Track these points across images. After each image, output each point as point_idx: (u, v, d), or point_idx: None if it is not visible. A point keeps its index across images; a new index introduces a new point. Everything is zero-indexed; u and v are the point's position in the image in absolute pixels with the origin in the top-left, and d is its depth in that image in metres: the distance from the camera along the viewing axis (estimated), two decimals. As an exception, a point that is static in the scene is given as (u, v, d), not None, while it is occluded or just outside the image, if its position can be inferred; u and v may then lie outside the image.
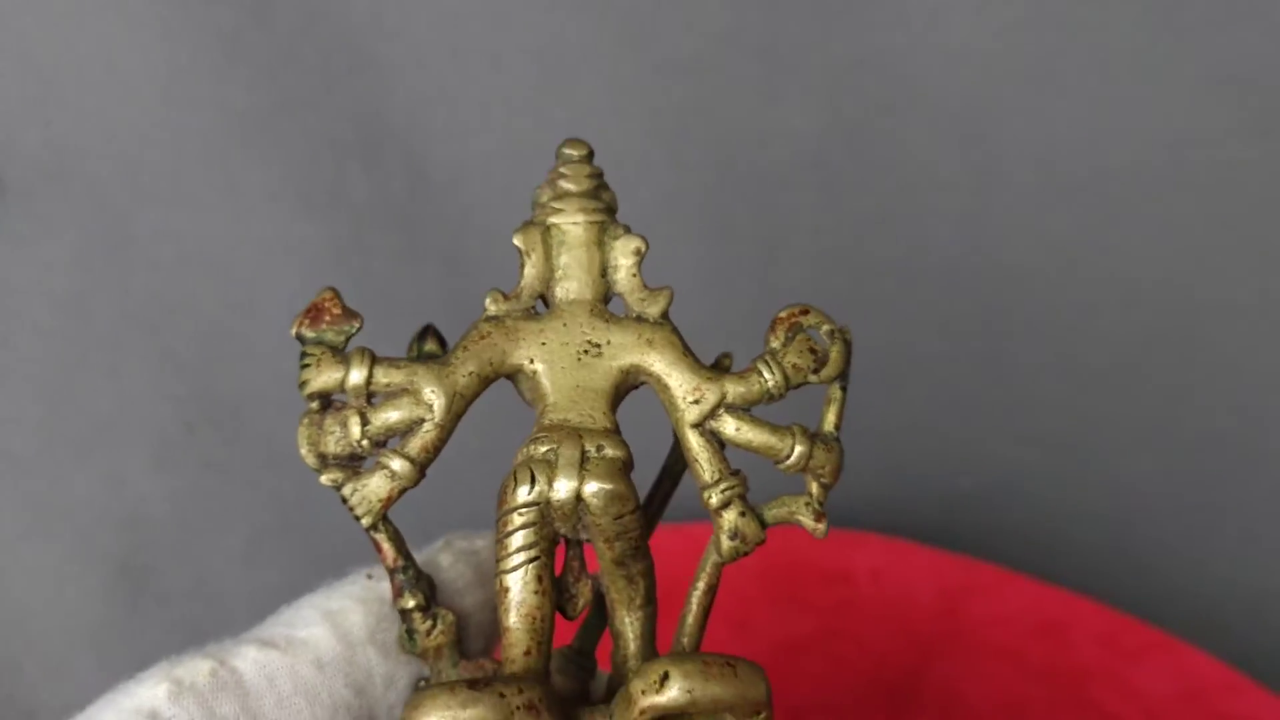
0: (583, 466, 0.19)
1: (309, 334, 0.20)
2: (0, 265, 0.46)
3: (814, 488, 0.21)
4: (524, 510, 0.19)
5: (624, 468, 0.19)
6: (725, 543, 0.20)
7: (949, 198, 0.49)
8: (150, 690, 0.18)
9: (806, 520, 0.21)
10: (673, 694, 0.18)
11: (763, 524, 0.20)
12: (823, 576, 0.45)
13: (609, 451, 0.19)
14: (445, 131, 0.47)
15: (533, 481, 0.19)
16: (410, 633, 0.20)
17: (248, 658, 0.19)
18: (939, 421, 0.51)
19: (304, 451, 0.19)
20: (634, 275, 0.21)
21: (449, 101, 0.47)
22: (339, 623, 0.20)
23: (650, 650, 0.20)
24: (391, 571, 0.20)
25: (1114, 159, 0.47)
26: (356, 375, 0.19)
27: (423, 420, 0.19)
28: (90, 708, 0.18)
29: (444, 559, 0.21)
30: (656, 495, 0.22)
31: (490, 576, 0.21)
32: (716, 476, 0.20)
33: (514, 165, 0.47)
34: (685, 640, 0.21)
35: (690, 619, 0.21)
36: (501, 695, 0.18)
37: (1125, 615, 0.43)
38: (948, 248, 0.49)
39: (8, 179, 0.46)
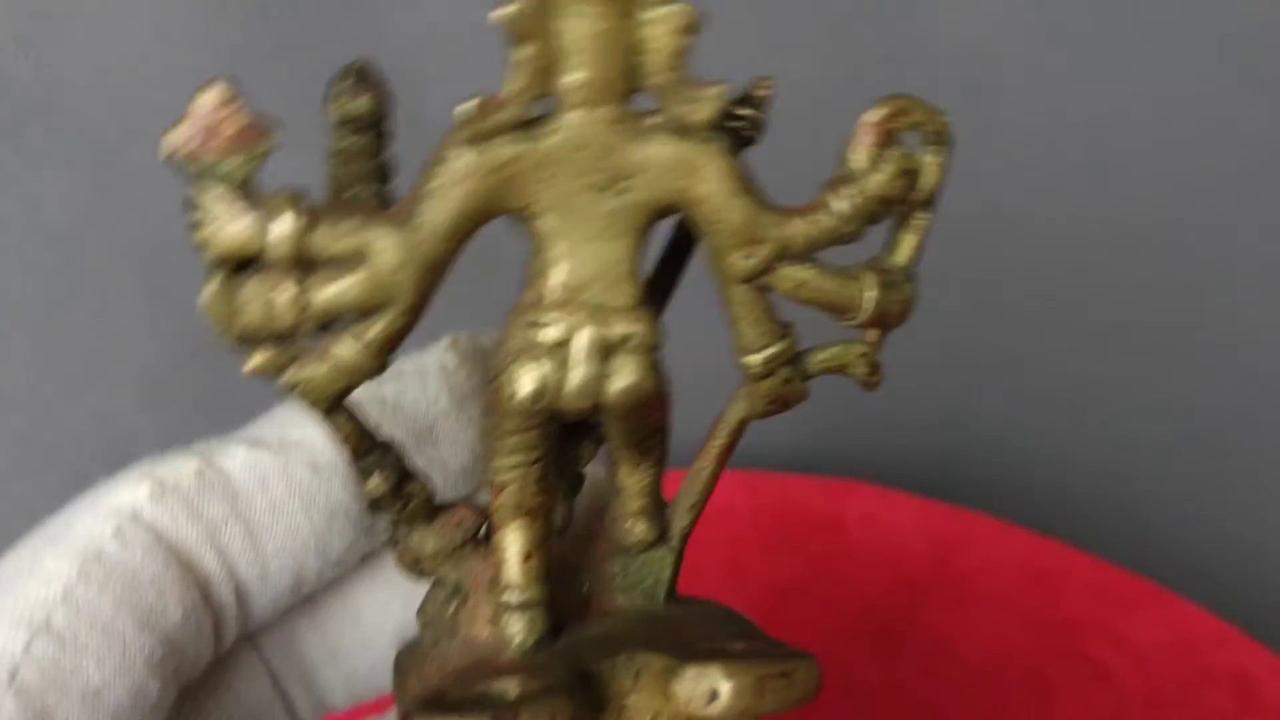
0: (604, 364, 0.15)
1: (197, 167, 0.14)
2: (-10, 201, 0.46)
3: (873, 334, 0.17)
4: (529, 416, 0.15)
5: (655, 359, 0.15)
6: (762, 406, 0.17)
7: (950, 152, 0.48)
8: (131, 490, 0.17)
9: (860, 372, 0.17)
10: (720, 710, 0.16)
11: (807, 378, 0.17)
12: (814, 522, 0.45)
13: (638, 338, 0.15)
14: (441, 72, 0.47)
15: (538, 385, 0.15)
16: (377, 506, 0.17)
17: (237, 458, 0.17)
18: (934, 374, 0.51)
19: (215, 330, 0.15)
20: (677, 64, 0.15)
21: (445, 41, 0.46)
22: None
23: (655, 506, 0.18)
24: (352, 457, 0.17)
25: (1117, 112, 0.47)
26: (280, 232, 0.14)
27: (385, 305, 0.15)
28: (69, 507, 0.17)
29: (450, 359, 0.18)
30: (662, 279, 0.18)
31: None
32: (763, 342, 0.16)
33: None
34: (695, 497, 0.18)
35: (704, 476, 0.18)
36: None
37: (1117, 567, 0.43)
38: (947, 199, 0.49)
39: (-2, 114, 0.45)
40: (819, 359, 0.17)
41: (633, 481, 0.17)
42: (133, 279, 0.46)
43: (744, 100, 0.16)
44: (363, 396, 0.16)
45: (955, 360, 0.50)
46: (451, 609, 0.17)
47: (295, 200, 0.14)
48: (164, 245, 0.47)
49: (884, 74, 0.47)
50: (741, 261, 0.16)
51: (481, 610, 0.17)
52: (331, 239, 0.14)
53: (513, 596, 0.17)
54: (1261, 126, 0.46)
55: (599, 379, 0.15)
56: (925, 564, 0.43)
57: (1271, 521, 0.49)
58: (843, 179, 0.16)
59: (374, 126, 0.17)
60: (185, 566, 0.17)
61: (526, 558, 0.17)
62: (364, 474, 0.17)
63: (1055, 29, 0.46)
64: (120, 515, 0.16)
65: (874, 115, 0.17)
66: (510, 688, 0.16)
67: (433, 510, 0.17)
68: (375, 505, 0.17)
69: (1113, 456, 0.50)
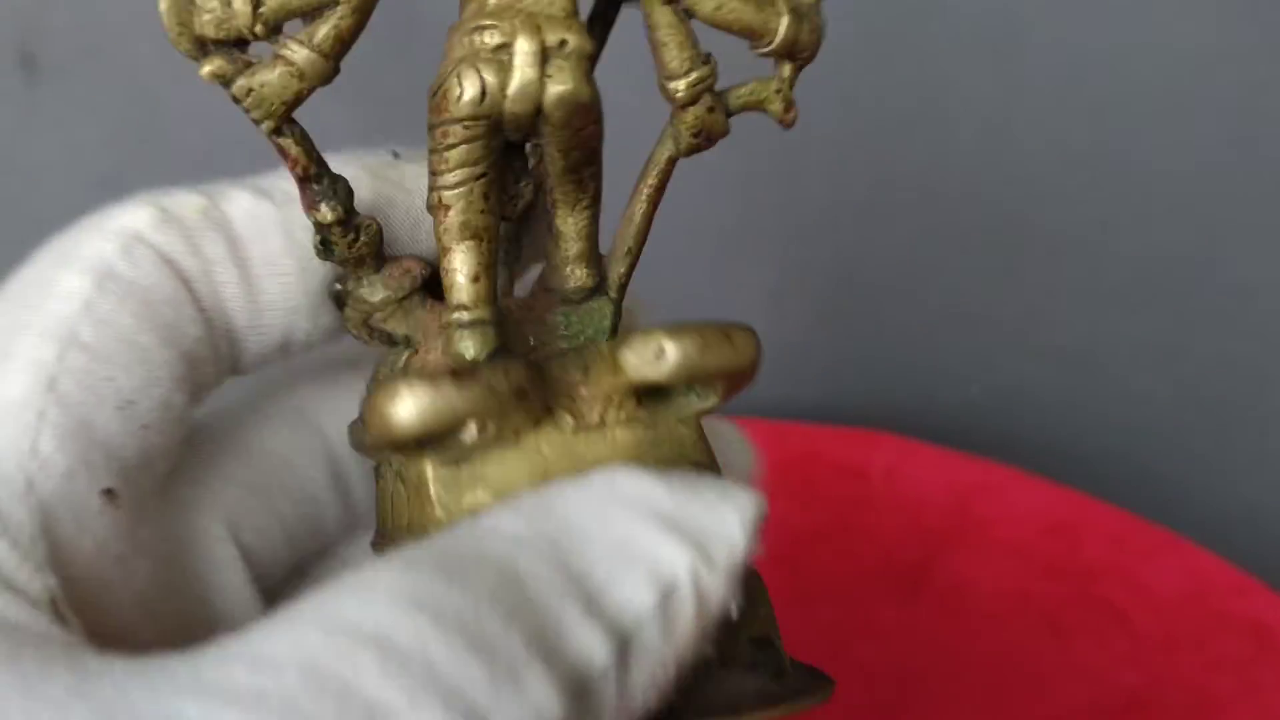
0: (543, 66, 0.15)
1: None
2: (32, 144, 0.47)
3: (786, 69, 0.18)
4: (470, 123, 0.16)
5: (590, 66, 0.16)
6: (687, 139, 0.18)
7: (971, 110, 0.49)
8: (134, 213, 0.17)
9: (776, 108, 0.18)
10: (668, 368, 0.16)
11: (729, 114, 0.18)
12: (837, 471, 0.46)
13: (573, 44, 0.15)
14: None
15: (481, 86, 0.15)
16: (326, 243, 0.17)
17: (240, 203, 0.17)
18: (956, 330, 0.51)
19: (173, 34, 0.15)
20: None
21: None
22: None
23: (593, 251, 0.18)
24: (302, 181, 0.17)
25: (1137, 76, 0.47)
26: None
27: (334, 2, 0.15)
28: (71, 228, 0.17)
29: (351, 171, 0.18)
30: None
31: (408, 189, 0.18)
32: (687, 66, 0.17)
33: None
34: (630, 242, 0.18)
35: (638, 218, 0.18)
36: (490, 386, 0.16)
37: (1135, 516, 0.44)
38: (969, 159, 0.49)
39: (41, 58, 0.46)
40: (738, 94, 0.18)
41: (570, 225, 0.18)
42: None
43: None
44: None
45: (978, 317, 0.51)
46: (402, 361, 0.18)
47: None
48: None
49: (909, 36, 0.48)
50: None
51: (432, 356, 0.17)
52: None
53: (463, 316, 0.17)
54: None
55: (538, 83, 0.15)
56: (945, 512, 0.44)
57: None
58: None
59: None
60: (191, 291, 0.17)
61: (475, 279, 0.17)
62: (312, 202, 0.17)
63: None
64: (125, 235, 0.16)
65: None
66: (468, 349, 0.17)
67: (381, 257, 0.18)
68: (325, 242, 0.17)
69: (1132, 415, 0.50)
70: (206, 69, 0.15)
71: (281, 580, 0.19)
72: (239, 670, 0.12)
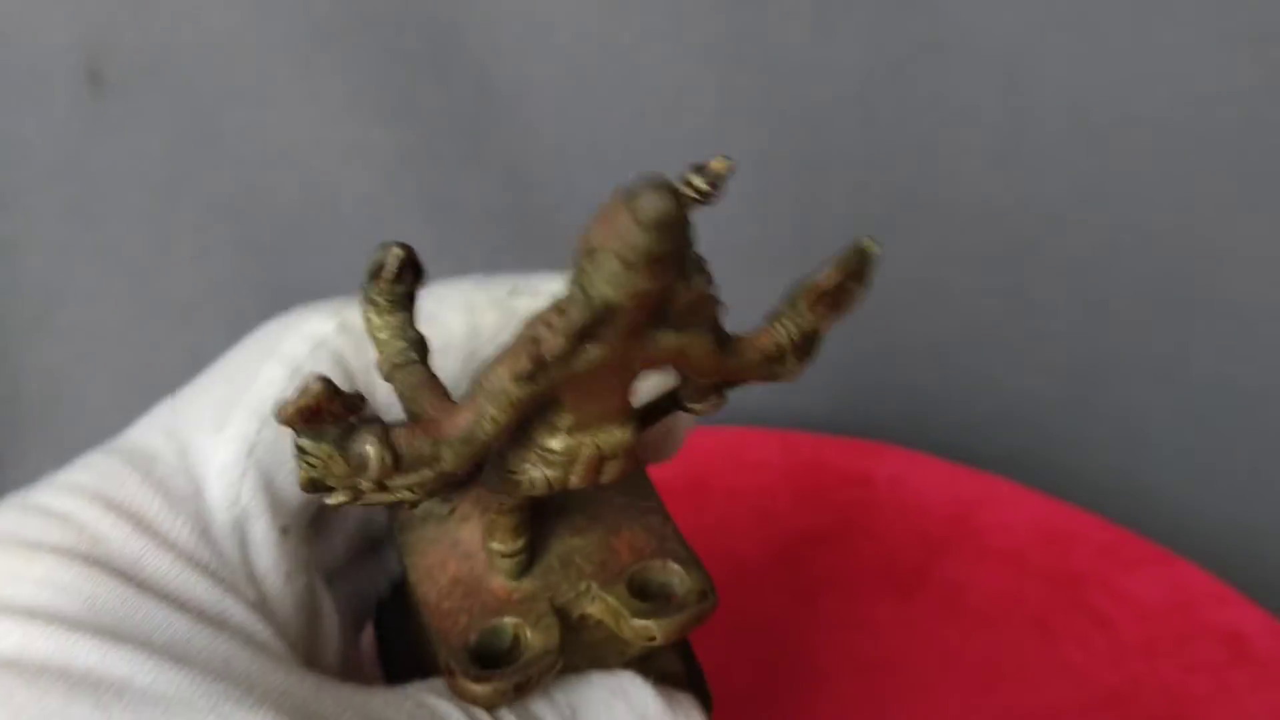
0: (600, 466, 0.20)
1: (307, 441, 0.17)
2: (97, 152, 0.50)
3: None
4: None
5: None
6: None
7: (984, 136, 0.51)
8: (322, 321, 0.21)
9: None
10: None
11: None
12: (843, 479, 0.48)
13: (624, 444, 0.20)
14: (514, 49, 0.50)
15: (547, 480, 0.19)
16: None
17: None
18: (962, 347, 0.53)
19: (301, 484, 0.17)
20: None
21: (519, 19, 0.49)
22: (475, 319, 0.22)
23: None
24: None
25: (1144, 109, 0.49)
26: (372, 473, 0.17)
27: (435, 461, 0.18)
28: (274, 323, 0.21)
29: (473, 298, 0.22)
30: None
31: (521, 320, 0.20)
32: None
33: (576, 83, 0.49)
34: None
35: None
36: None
37: (1125, 530, 0.46)
38: (980, 184, 0.51)
39: (108, 74, 0.49)
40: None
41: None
42: (225, 230, 0.50)
43: (700, 170, 0.19)
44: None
45: (981, 336, 0.53)
46: (446, 510, 0.22)
47: (378, 441, 0.17)
48: (254, 199, 0.50)
49: (927, 64, 0.50)
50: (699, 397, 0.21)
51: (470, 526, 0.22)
52: (407, 472, 0.18)
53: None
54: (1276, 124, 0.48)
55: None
56: (945, 521, 0.46)
57: (1275, 495, 0.51)
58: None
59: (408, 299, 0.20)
60: (353, 384, 0.21)
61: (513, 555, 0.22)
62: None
63: (1092, 27, 0.48)
64: (313, 339, 0.21)
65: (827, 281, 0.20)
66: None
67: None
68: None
69: (1129, 434, 0.52)
70: (332, 500, 0.18)
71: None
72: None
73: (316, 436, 0.17)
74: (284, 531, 0.21)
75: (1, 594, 0.18)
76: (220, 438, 0.20)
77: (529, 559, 0.21)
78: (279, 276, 0.51)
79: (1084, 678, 0.40)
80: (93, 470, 0.20)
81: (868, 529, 0.46)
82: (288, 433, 0.17)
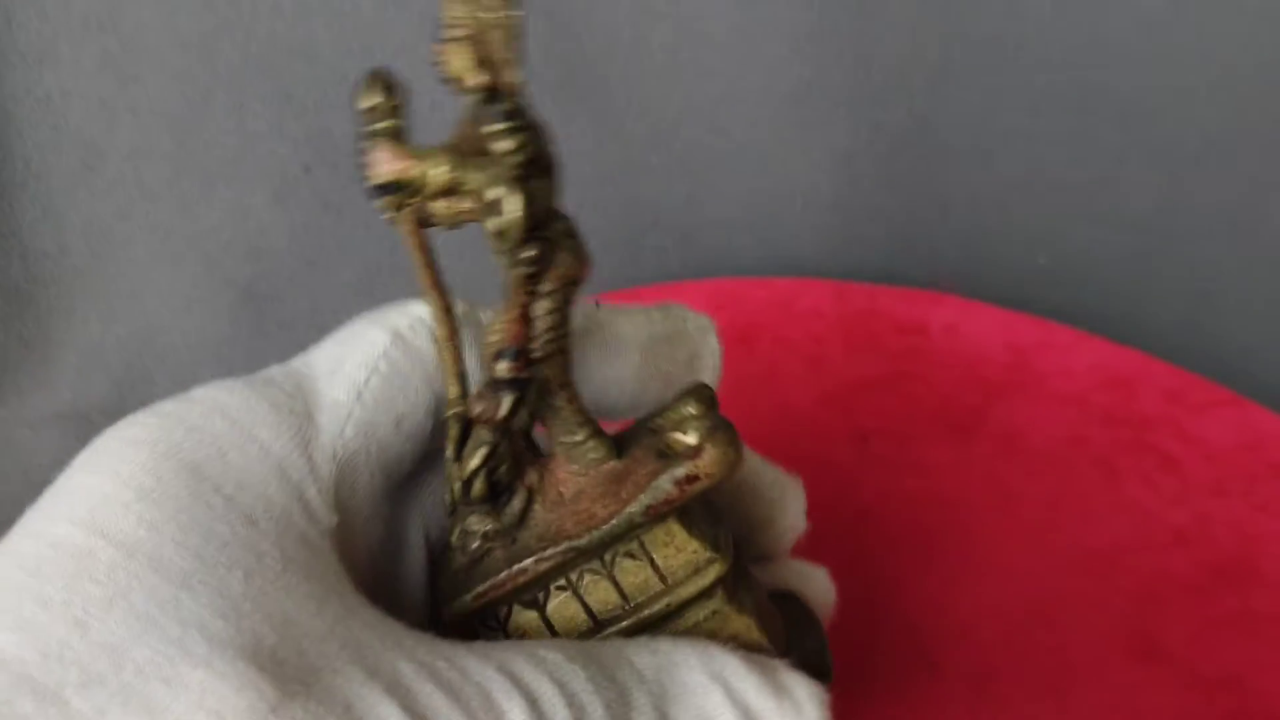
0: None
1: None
2: (132, 6, 0.49)
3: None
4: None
5: None
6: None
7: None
8: (398, 316, 0.23)
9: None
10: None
11: None
12: (897, 327, 0.47)
13: None
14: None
15: None
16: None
17: (484, 314, 0.24)
18: (1022, 197, 0.52)
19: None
20: None
21: None
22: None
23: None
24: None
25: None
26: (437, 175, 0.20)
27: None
28: (380, 308, 0.24)
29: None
30: None
31: (600, 323, 0.24)
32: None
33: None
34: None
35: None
36: None
37: (1193, 374, 0.44)
38: (1043, 22, 0.49)
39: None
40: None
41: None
42: (264, 85, 0.49)
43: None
44: None
45: (1042, 184, 0.51)
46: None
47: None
48: (293, 53, 0.49)
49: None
50: None
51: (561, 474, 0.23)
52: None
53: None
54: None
55: None
56: (1003, 367, 0.45)
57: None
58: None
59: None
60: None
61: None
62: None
63: None
64: (413, 316, 0.23)
65: None
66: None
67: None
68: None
69: (1197, 278, 0.50)
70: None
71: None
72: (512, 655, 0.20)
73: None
74: (382, 475, 0.23)
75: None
76: (333, 379, 0.22)
77: None
78: (318, 129, 0.50)
79: (1150, 517, 0.39)
80: (213, 385, 0.22)
81: (922, 376, 0.45)
82: (392, 385, 0.21)
